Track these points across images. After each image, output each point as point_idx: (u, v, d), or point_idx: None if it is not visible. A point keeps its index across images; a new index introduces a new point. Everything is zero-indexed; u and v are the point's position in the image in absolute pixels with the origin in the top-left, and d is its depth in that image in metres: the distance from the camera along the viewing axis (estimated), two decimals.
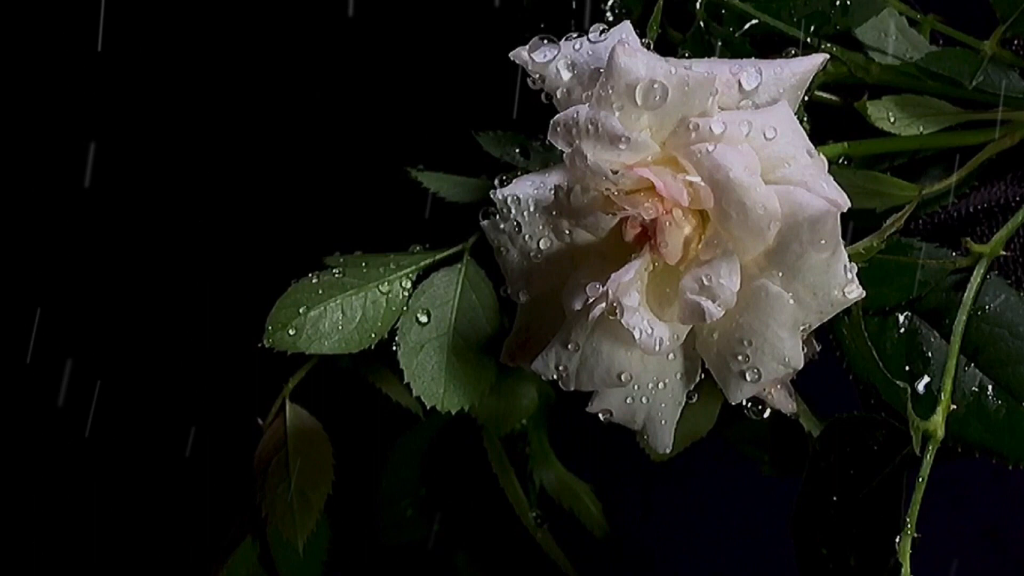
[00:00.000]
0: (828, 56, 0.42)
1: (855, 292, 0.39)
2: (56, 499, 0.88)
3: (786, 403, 0.44)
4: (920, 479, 0.43)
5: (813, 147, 0.40)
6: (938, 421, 0.43)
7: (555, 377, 0.42)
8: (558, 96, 0.41)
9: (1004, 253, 0.46)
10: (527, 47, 0.42)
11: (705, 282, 0.39)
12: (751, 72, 0.41)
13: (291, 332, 0.48)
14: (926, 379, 0.46)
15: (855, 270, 0.39)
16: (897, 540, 0.42)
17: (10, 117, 0.86)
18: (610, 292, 0.39)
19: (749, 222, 0.38)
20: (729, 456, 0.60)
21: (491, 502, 0.56)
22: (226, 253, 0.86)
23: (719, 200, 0.38)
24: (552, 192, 0.42)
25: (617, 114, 0.39)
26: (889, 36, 0.50)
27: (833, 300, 0.39)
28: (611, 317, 0.39)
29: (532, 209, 0.42)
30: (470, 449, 0.56)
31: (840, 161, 0.46)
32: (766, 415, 0.45)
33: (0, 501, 0.88)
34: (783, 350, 0.39)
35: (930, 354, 0.46)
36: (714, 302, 0.38)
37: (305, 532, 0.50)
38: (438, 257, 0.51)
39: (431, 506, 0.60)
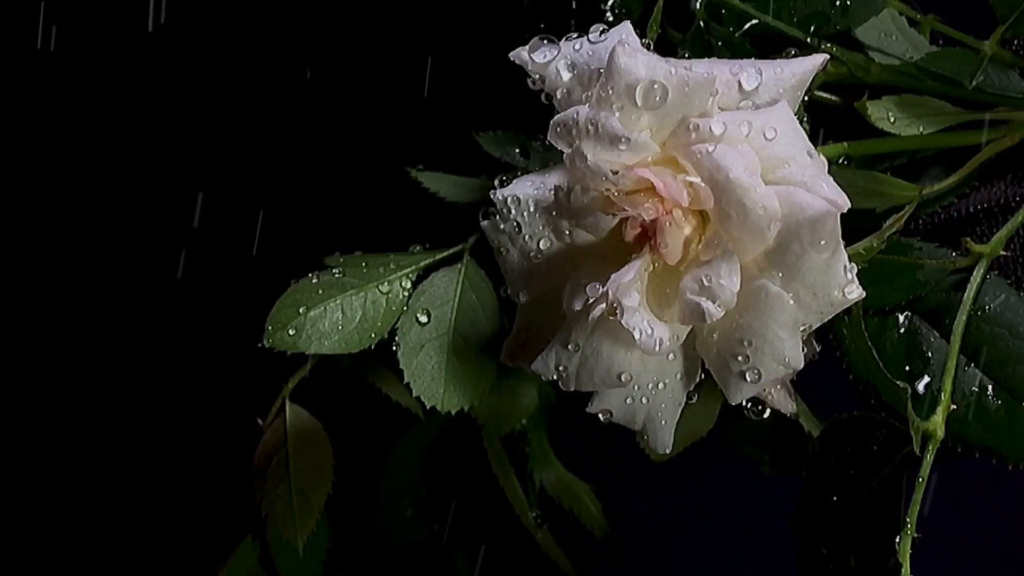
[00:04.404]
0: (828, 56, 0.42)
1: (855, 292, 0.39)
2: (56, 499, 0.88)
3: (786, 403, 0.44)
4: (920, 479, 0.43)
5: (813, 147, 0.40)
6: (938, 421, 0.43)
7: (555, 377, 0.42)
8: (558, 96, 0.41)
9: (1004, 253, 0.46)
10: (527, 47, 0.42)
11: (705, 282, 0.39)
12: (751, 72, 0.40)
13: (291, 332, 0.48)
14: (926, 379, 0.46)
15: (855, 270, 0.39)
16: (897, 540, 0.42)
17: (9, 115, 0.87)
18: (610, 292, 0.39)
19: (749, 222, 0.38)
20: (729, 456, 0.60)
21: (491, 502, 0.56)
22: (226, 253, 0.86)
23: (719, 200, 0.38)
24: (552, 192, 0.42)
25: (617, 115, 0.39)
26: (889, 36, 0.50)
27: (833, 300, 0.39)
28: (611, 317, 0.39)
29: (532, 209, 0.42)
30: (470, 449, 0.56)
31: (840, 161, 0.46)
32: (766, 415, 0.45)
33: (0, 501, 0.88)
34: (783, 350, 0.39)
35: (930, 354, 0.46)
36: (714, 302, 0.38)
37: (305, 532, 0.50)
38: (438, 257, 0.51)
39: (431, 506, 0.60)
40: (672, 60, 0.39)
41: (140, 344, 0.87)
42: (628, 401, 0.43)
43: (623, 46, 0.39)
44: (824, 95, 0.49)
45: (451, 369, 0.48)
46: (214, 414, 0.75)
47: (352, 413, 0.54)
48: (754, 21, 0.49)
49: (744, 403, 0.43)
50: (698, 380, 0.43)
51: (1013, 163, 0.49)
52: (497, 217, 0.43)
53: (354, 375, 0.54)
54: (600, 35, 0.41)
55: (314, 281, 0.49)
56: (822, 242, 0.38)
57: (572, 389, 0.42)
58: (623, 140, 0.38)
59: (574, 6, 0.53)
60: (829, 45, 0.48)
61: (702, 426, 0.53)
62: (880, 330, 0.47)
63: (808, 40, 0.48)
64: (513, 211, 0.42)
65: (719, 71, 0.40)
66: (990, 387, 0.45)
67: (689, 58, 0.44)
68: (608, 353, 0.41)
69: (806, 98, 0.42)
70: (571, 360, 0.41)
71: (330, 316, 0.49)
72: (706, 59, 0.43)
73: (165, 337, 0.86)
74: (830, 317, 0.40)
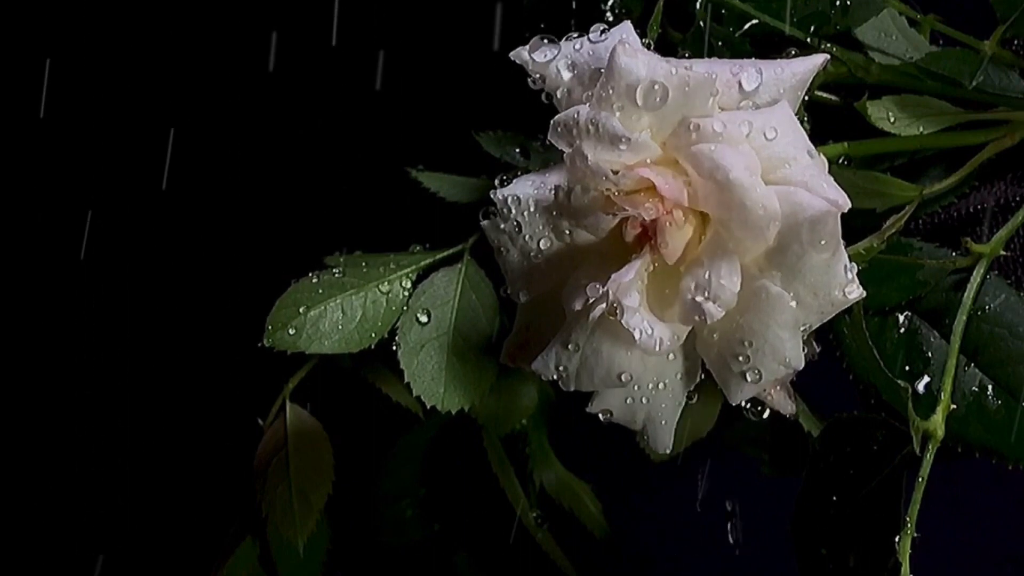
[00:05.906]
0: (828, 56, 0.42)
1: (855, 292, 0.39)
2: (57, 499, 0.88)
3: (786, 404, 0.44)
4: (920, 479, 0.43)
5: (813, 147, 0.40)
6: (938, 421, 0.43)
7: (555, 377, 0.42)
8: (558, 96, 0.41)
9: (1004, 253, 0.46)
10: (527, 47, 0.42)
11: (705, 283, 0.39)
12: (751, 72, 0.40)
13: (291, 332, 0.48)
14: (926, 379, 0.46)
15: (855, 270, 0.39)
16: (897, 540, 0.42)
17: (11, 120, 0.87)
18: (610, 292, 0.39)
19: (749, 222, 0.38)
20: (729, 456, 0.60)
21: (491, 502, 0.56)
22: (226, 253, 0.86)
23: (719, 200, 0.38)
24: (552, 192, 0.41)
25: (618, 114, 0.39)
26: (889, 36, 0.50)
27: (833, 300, 0.39)
28: (611, 317, 0.39)
29: (532, 209, 0.42)
30: (470, 449, 0.56)
31: (840, 161, 0.46)
32: (766, 415, 0.45)
33: (1, 500, 0.88)
34: (784, 350, 0.39)
35: (930, 354, 0.46)
36: (714, 303, 0.38)
37: (305, 532, 0.50)
38: (438, 257, 0.51)
39: (431, 506, 0.60)
40: (672, 60, 0.39)
41: (140, 344, 0.87)
42: (628, 401, 0.43)
43: (623, 46, 0.39)
44: (824, 95, 0.49)
45: (451, 369, 0.48)
46: (214, 414, 0.75)
47: (352, 413, 0.54)
48: (754, 21, 0.49)
49: (744, 403, 0.43)
50: (698, 380, 0.43)
51: (1013, 163, 0.49)
52: (497, 217, 0.43)
53: (354, 375, 0.54)
54: (600, 35, 0.41)
55: (314, 281, 0.49)
56: (822, 242, 0.38)
57: (572, 389, 0.42)
58: (623, 140, 0.38)
59: (574, 6, 0.53)
60: (829, 45, 0.48)
61: (702, 426, 0.53)
62: (880, 330, 0.47)
63: (808, 40, 0.48)
64: (513, 211, 0.42)
65: (719, 71, 0.40)
66: (990, 387, 0.45)
67: (689, 58, 0.44)
68: (608, 353, 0.41)
69: (806, 98, 0.42)
70: (571, 360, 0.41)
71: (330, 316, 0.49)
72: (706, 59, 0.43)
73: (165, 337, 0.86)
74: (830, 317, 0.40)
